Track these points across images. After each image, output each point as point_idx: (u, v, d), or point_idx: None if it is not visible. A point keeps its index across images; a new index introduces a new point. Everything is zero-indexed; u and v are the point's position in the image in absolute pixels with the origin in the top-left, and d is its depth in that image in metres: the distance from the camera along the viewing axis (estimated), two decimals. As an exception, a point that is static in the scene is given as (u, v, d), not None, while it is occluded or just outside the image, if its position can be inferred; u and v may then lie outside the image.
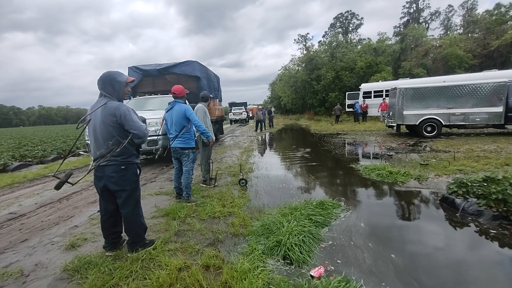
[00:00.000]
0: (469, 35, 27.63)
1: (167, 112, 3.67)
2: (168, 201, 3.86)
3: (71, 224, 3.19)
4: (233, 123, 27.86)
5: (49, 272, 2.18)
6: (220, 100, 12.50)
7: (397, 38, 30.94)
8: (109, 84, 2.14)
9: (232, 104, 32.73)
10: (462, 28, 30.12)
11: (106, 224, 2.33)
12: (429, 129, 9.39)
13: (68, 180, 1.82)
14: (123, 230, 2.39)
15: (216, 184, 4.58)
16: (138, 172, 2.33)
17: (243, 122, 27.82)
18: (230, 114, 28.19)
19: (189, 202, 3.59)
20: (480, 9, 31.58)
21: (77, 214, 3.52)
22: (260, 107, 19.89)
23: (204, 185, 4.51)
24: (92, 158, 2.20)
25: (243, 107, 29.90)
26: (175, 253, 2.33)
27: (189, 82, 8.40)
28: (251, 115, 31.05)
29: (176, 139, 3.56)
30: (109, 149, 2.03)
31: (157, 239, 2.57)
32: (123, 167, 2.16)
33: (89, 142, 2.38)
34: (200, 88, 8.37)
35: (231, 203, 3.60)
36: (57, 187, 1.78)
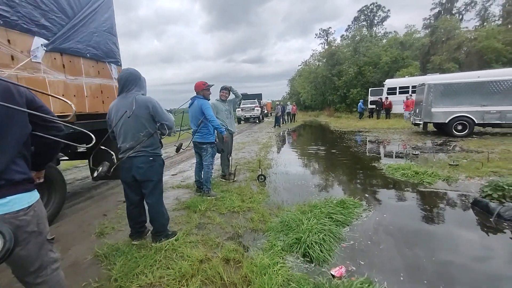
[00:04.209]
0: (509, 26, 25.25)
1: (189, 107, 3.77)
2: (189, 194, 3.97)
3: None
4: (242, 121, 20.72)
5: (82, 256, 2.34)
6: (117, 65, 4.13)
7: (427, 31, 29.08)
8: (140, 80, 2.29)
9: (243, 97, 24.86)
10: (501, 19, 27.57)
11: (132, 214, 2.44)
12: (459, 127, 8.82)
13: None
14: (148, 220, 2.49)
15: (235, 179, 4.64)
16: (163, 163, 2.41)
17: (256, 120, 21.13)
18: (238, 110, 20.37)
19: (209, 196, 3.67)
20: (523, -3, 28.68)
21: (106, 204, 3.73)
22: (277, 102, 19.44)
23: (223, 180, 4.57)
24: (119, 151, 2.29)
25: (255, 100, 21.86)
26: (196, 245, 2.40)
27: None
28: (265, 111, 24.67)
29: (195, 134, 3.64)
30: (140, 140, 2.11)
31: (179, 230, 2.66)
32: (151, 158, 2.25)
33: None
34: None
35: (250, 198, 3.62)
36: (96, 178, 1.88)
